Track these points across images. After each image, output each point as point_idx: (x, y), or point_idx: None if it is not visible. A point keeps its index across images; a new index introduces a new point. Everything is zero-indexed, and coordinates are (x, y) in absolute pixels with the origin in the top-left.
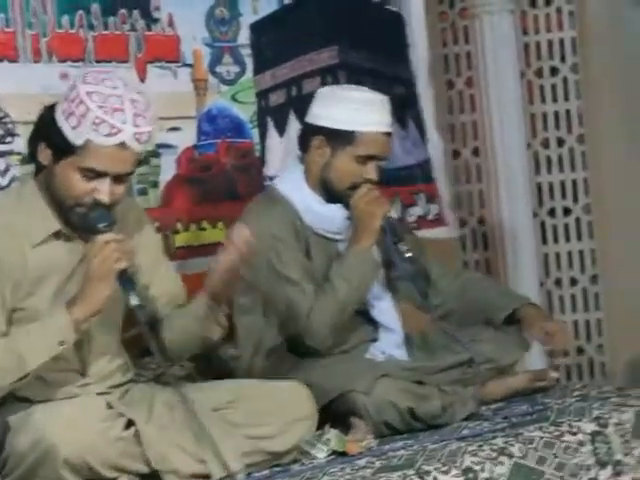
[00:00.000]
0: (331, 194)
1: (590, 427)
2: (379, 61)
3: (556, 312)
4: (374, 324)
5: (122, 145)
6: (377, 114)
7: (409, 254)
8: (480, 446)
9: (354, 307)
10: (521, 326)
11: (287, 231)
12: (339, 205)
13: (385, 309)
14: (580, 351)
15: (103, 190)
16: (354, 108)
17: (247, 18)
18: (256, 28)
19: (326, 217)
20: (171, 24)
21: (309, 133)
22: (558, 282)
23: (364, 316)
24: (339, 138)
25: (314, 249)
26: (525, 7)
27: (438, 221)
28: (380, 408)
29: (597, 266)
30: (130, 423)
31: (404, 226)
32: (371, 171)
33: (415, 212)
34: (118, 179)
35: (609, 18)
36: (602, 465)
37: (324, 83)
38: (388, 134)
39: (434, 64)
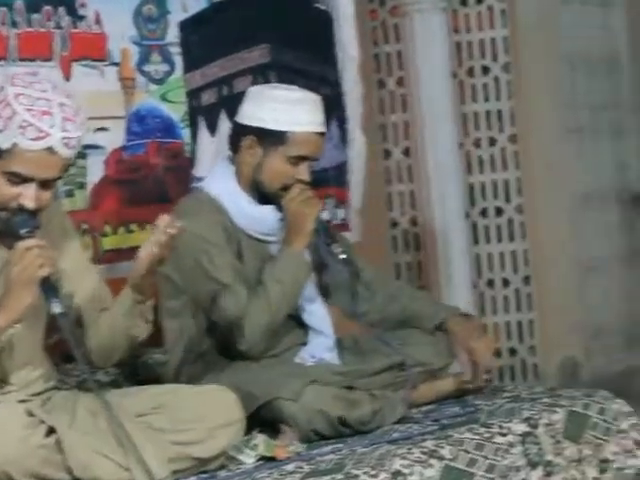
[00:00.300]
0: (262, 195)
1: (520, 428)
2: (308, 60)
3: (488, 313)
4: (305, 327)
5: (49, 150)
6: (310, 114)
7: (343, 256)
8: (410, 449)
9: (287, 310)
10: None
11: (218, 233)
12: (271, 206)
13: (316, 312)
14: (512, 352)
15: (29, 195)
16: (286, 108)
17: (176, 16)
18: (185, 26)
19: (257, 218)
20: (98, 21)
21: (240, 133)
22: (490, 283)
23: (295, 319)
24: (271, 138)
25: (246, 251)
26: (456, 6)
27: (343, 226)
28: (309, 416)
29: (529, 267)
30: (52, 430)
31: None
32: (303, 172)
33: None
34: (45, 184)
35: (540, 17)
36: (533, 466)
37: (255, 82)
38: (321, 134)
39: (364, 63)
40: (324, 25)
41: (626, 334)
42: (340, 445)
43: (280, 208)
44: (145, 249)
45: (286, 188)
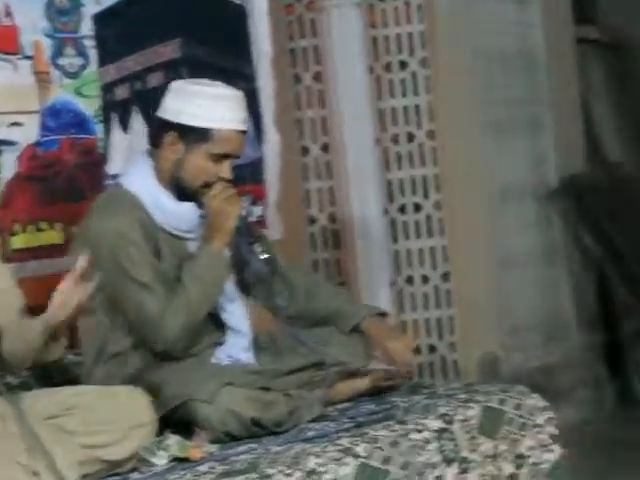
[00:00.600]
0: (183, 192)
1: (436, 424)
2: (221, 55)
3: (407, 310)
4: (222, 326)
5: None
6: (233, 111)
7: (265, 255)
8: (325, 447)
9: (207, 309)
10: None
11: (136, 230)
12: (191, 203)
13: (235, 311)
14: (432, 349)
15: None
16: (210, 104)
17: (89, 8)
18: (99, 19)
19: (177, 215)
20: (8, 14)
21: (162, 128)
22: (410, 280)
23: (213, 318)
24: (194, 135)
25: (164, 248)
26: (373, 0)
27: (260, 223)
28: (223, 417)
29: (448, 263)
30: None
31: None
32: (225, 169)
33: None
34: None
35: (457, 12)
36: (448, 462)
37: (167, 77)
38: (243, 132)
39: (280, 58)
40: (239, 19)
41: (544, 330)
42: (255, 445)
43: (200, 205)
44: (60, 303)
45: (207, 185)
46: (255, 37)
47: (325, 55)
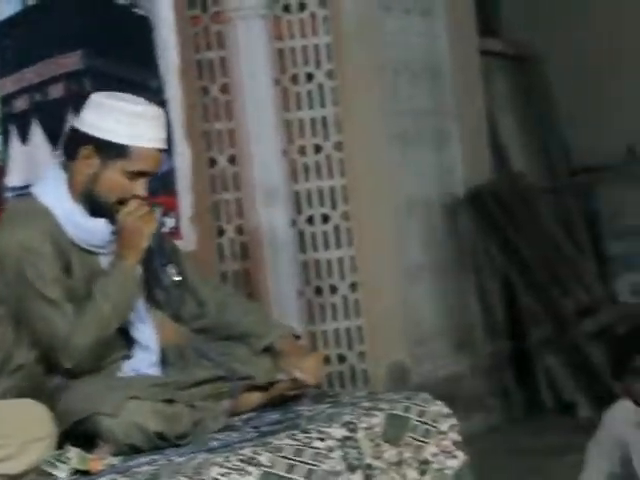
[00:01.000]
0: (96, 207)
1: (340, 432)
2: (126, 67)
3: (317, 321)
4: (130, 341)
5: None
6: (153, 129)
7: (177, 278)
8: (227, 457)
9: (116, 326)
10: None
11: (46, 244)
12: (103, 219)
13: (144, 328)
14: (342, 359)
15: None
16: (130, 121)
17: None
18: None
19: (89, 230)
20: None
21: (78, 141)
22: (318, 290)
23: (121, 333)
24: (111, 151)
25: (75, 263)
26: (279, 12)
27: (174, 234)
28: (127, 431)
29: (357, 274)
30: None
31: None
32: (141, 187)
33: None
34: None
35: (363, 24)
36: (352, 470)
37: (69, 89)
38: (162, 150)
39: (187, 70)
40: (144, 31)
41: (452, 339)
42: (157, 456)
43: (113, 221)
44: None
45: (121, 202)
46: (162, 49)
47: (232, 67)
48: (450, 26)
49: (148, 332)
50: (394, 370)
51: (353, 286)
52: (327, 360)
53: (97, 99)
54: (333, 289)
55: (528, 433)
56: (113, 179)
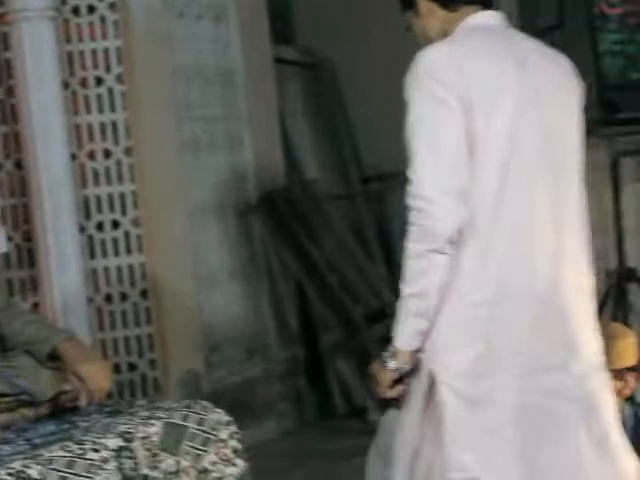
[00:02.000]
0: None
1: (115, 443)
2: None
3: (107, 328)
4: None
5: None
6: None
7: None
8: None
9: None
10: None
11: None
12: None
13: None
14: (132, 367)
15: None
16: None
17: None
18: None
19: None
20: None
21: None
22: (108, 298)
23: None
24: None
25: None
26: (68, 15)
27: None
28: None
29: (147, 280)
30: None
31: None
32: None
33: None
34: None
35: (154, 29)
36: None
37: None
38: None
39: None
40: None
41: (245, 345)
42: None
43: None
44: None
45: None
46: None
47: (17, 69)
48: (243, 33)
49: None
50: (186, 378)
51: (144, 293)
52: (117, 369)
53: None
54: (123, 296)
55: (320, 437)
56: None
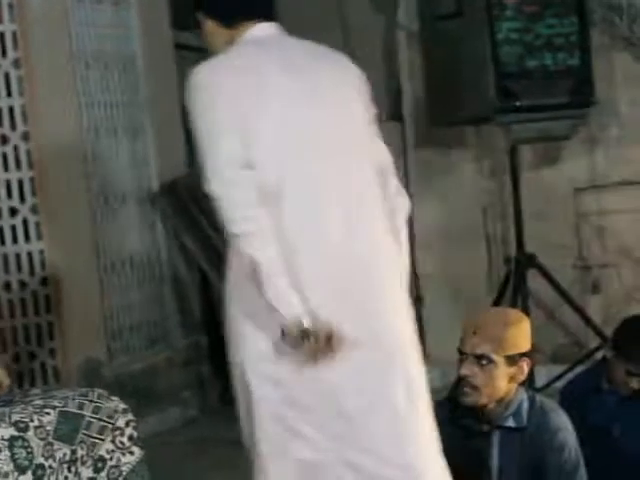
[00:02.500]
0: None
1: (8, 432)
2: None
3: (6, 317)
4: None
5: None
6: None
7: None
8: None
9: None
10: None
11: None
12: None
13: None
14: (32, 356)
15: None
16: None
17: None
18: None
19: None
20: None
21: None
22: (7, 286)
23: None
24: None
25: None
26: None
27: None
28: None
29: (46, 268)
30: None
31: None
32: None
33: None
34: None
35: (51, 13)
36: (22, 471)
37: None
38: None
39: None
40: None
41: (148, 332)
42: None
43: None
44: None
45: None
46: None
47: None
48: (142, 18)
49: None
50: (87, 366)
51: (44, 281)
52: (17, 358)
53: None
54: (22, 284)
55: (223, 424)
56: None
